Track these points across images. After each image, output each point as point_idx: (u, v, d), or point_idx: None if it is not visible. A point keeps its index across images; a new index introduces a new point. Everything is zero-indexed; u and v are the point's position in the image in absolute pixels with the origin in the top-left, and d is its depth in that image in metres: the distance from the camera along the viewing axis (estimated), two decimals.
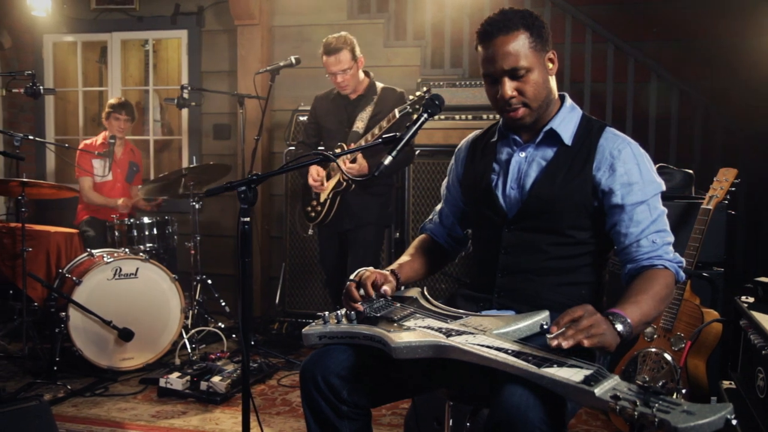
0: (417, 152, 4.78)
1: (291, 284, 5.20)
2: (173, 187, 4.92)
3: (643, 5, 5.85)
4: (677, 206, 3.45)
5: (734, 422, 1.34)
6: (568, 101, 2.10)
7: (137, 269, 4.27)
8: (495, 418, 1.62)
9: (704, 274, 3.32)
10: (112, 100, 5.34)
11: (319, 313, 2.03)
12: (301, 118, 4.88)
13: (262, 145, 5.59)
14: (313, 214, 4.17)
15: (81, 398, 3.79)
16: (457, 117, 4.81)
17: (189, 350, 4.29)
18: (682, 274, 1.95)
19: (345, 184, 3.99)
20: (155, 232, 4.82)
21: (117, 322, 4.10)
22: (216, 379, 3.77)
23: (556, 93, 2.07)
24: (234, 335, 4.84)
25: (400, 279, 2.15)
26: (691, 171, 3.71)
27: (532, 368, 1.56)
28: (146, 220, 4.80)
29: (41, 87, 4.32)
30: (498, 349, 1.67)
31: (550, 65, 2.02)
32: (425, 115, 2.13)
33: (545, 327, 1.84)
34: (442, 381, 2.05)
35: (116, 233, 4.75)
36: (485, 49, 1.98)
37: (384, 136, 2.13)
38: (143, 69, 7.57)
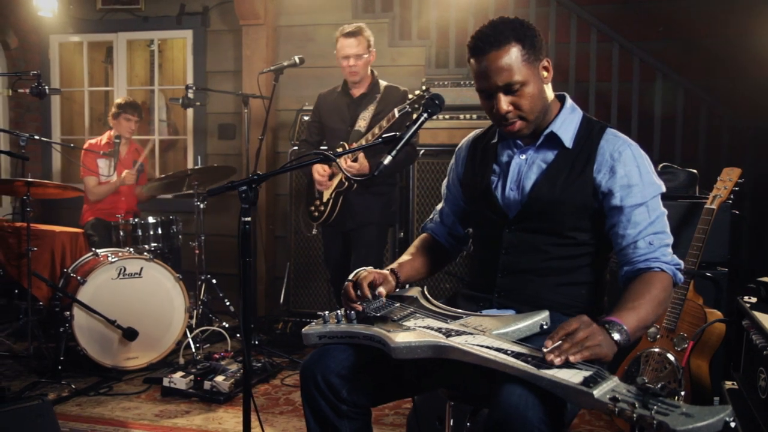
0: (421, 152, 4.78)
1: (296, 284, 5.20)
2: (177, 187, 4.93)
3: (648, 4, 5.82)
4: (681, 206, 3.44)
5: (733, 424, 1.34)
6: (569, 102, 2.09)
7: (141, 269, 4.28)
8: (494, 418, 1.62)
9: (708, 274, 3.30)
10: (119, 100, 5.33)
11: (319, 313, 2.03)
12: (306, 118, 4.88)
13: (267, 145, 5.59)
14: (316, 213, 4.17)
15: (85, 397, 3.80)
16: (461, 117, 4.80)
17: (193, 350, 4.30)
18: (680, 276, 1.94)
19: (347, 183, 3.99)
20: (160, 231, 4.84)
21: (121, 321, 4.11)
22: (219, 378, 3.77)
23: (551, 98, 2.05)
24: (238, 335, 4.84)
25: (400, 278, 2.15)
26: (694, 171, 3.70)
27: (532, 369, 1.56)
28: (151, 220, 4.82)
29: (46, 87, 4.33)
30: (497, 349, 1.66)
31: (545, 74, 1.99)
32: (425, 115, 2.12)
33: (545, 327, 1.84)
34: (441, 381, 2.05)
35: (121, 233, 4.77)
36: (477, 63, 1.95)
37: (384, 135, 2.13)
38: (149, 69, 7.60)
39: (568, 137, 2.02)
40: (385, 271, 2.12)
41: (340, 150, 3.93)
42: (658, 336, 3.10)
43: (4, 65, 6.21)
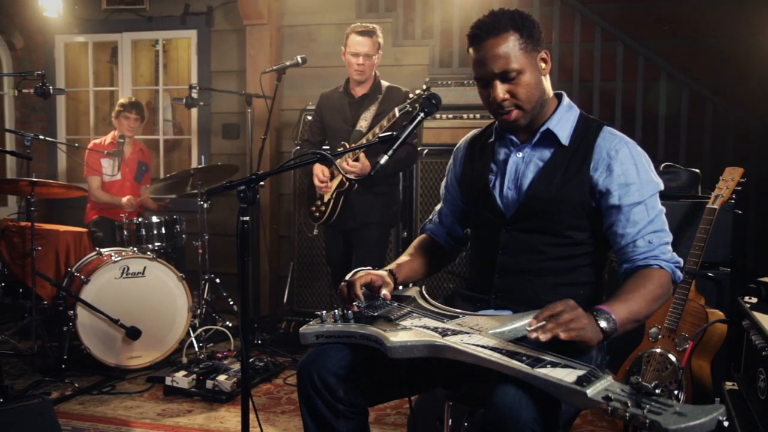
0: (425, 152, 4.78)
1: (299, 283, 5.21)
2: (181, 187, 4.94)
3: (653, 3, 5.80)
4: (683, 206, 3.42)
5: (726, 424, 1.33)
6: (566, 100, 2.08)
7: (144, 268, 4.29)
8: (488, 418, 1.61)
9: (709, 274, 3.29)
10: (122, 100, 5.37)
11: (317, 312, 2.03)
12: (309, 118, 4.89)
13: (271, 145, 5.61)
14: (317, 214, 4.18)
15: (88, 396, 3.82)
16: (465, 116, 4.80)
17: (196, 349, 4.31)
18: (679, 274, 1.93)
19: (348, 183, 3.99)
20: (164, 231, 4.85)
21: (124, 320, 4.12)
22: (222, 377, 3.78)
23: (550, 92, 2.06)
24: None
25: (398, 279, 2.15)
26: (697, 170, 3.68)
27: (526, 368, 1.55)
28: (155, 219, 4.83)
29: (51, 87, 4.35)
30: (493, 348, 1.66)
31: (543, 65, 1.99)
32: (422, 115, 2.12)
33: None
34: (438, 381, 2.04)
35: (125, 232, 4.78)
36: (476, 52, 1.96)
37: (381, 135, 2.13)
38: (153, 69, 7.61)
39: (564, 135, 2.02)
40: (383, 272, 2.12)
41: (341, 150, 3.94)
42: (660, 336, 3.08)
43: (9, 66, 6.25)
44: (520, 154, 2.07)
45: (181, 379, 3.80)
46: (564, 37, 5.14)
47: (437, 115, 4.85)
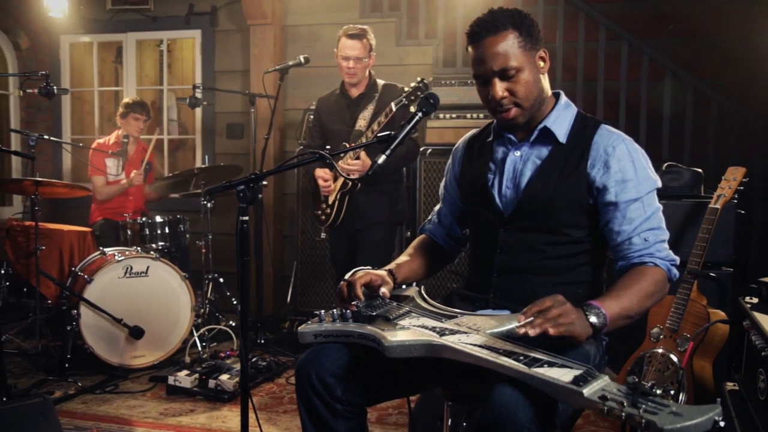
0: (428, 151, 4.78)
1: (302, 283, 5.22)
2: (185, 186, 4.95)
3: (657, 2, 5.77)
4: (685, 205, 3.41)
5: (722, 424, 1.33)
6: (563, 98, 2.09)
7: (148, 268, 4.31)
8: (484, 418, 1.61)
9: (711, 274, 3.28)
10: (127, 99, 5.35)
11: (316, 312, 2.03)
12: (312, 117, 4.89)
13: (275, 145, 5.62)
14: (323, 217, 4.17)
15: (91, 395, 3.83)
16: (468, 116, 4.80)
17: (200, 348, 4.32)
18: (675, 272, 1.93)
19: (350, 184, 3.99)
20: (167, 231, 4.85)
21: (128, 320, 4.14)
22: (224, 377, 3.79)
23: (548, 91, 2.06)
24: None
25: (397, 279, 2.15)
26: (699, 170, 3.66)
27: (523, 368, 1.55)
28: (158, 219, 4.84)
29: (55, 87, 4.37)
30: (490, 348, 1.66)
31: (542, 63, 2.00)
32: (419, 114, 2.12)
33: None
34: (437, 380, 2.04)
35: (129, 232, 4.79)
36: (475, 50, 1.97)
37: (379, 135, 2.13)
38: (158, 69, 7.64)
39: (562, 132, 2.02)
40: (383, 272, 2.12)
41: (341, 150, 3.94)
42: (662, 336, 3.07)
43: (15, 66, 6.27)
44: (518, 153, 2.07)
45: (183, 378, 3.81)
46: (568, 36, 5.12)
47: (440, 115, 4.85)
